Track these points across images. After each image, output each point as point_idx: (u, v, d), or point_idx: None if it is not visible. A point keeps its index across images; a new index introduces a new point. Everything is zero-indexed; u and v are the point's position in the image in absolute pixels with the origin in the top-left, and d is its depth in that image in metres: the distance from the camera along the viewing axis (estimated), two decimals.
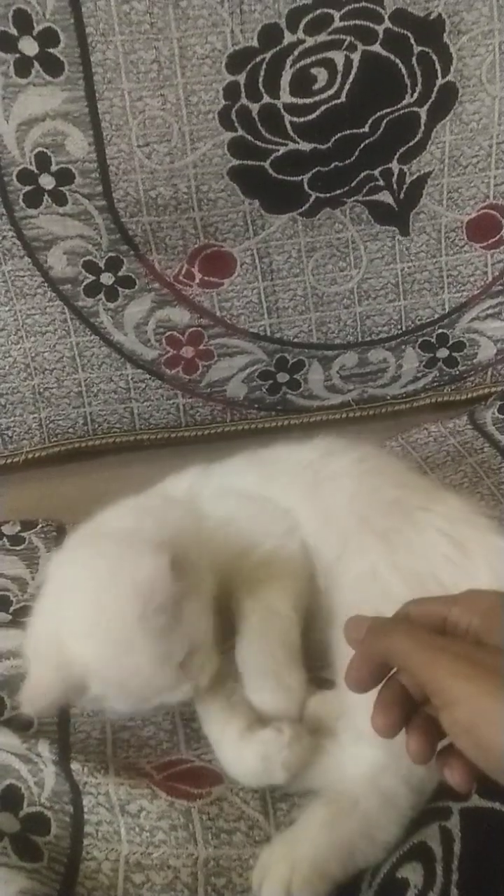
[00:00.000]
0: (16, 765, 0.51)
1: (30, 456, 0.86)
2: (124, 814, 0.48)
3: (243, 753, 0.50)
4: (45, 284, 0.78)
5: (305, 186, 0.76)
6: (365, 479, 0.60)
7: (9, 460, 0.86)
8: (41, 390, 0.83)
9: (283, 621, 0.55)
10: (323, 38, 0.69)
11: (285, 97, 0.71)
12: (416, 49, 0.71)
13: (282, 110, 0.72)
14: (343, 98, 0.72)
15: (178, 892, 0.45)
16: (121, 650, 0.49)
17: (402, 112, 0.73)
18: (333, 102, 0.72)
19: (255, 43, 0.69)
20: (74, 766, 0.51)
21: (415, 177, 0.77)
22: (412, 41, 0.70)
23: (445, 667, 0.35)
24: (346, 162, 0.75)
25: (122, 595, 0.48)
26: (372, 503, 0.58)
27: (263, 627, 0.55)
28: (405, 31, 0.70)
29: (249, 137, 0.73)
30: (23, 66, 0.68)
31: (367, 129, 0.74)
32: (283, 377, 0.86)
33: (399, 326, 0.85)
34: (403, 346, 0.86)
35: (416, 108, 0.74)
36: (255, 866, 0.45)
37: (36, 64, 0.68)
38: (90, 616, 0.49)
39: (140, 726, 0.56)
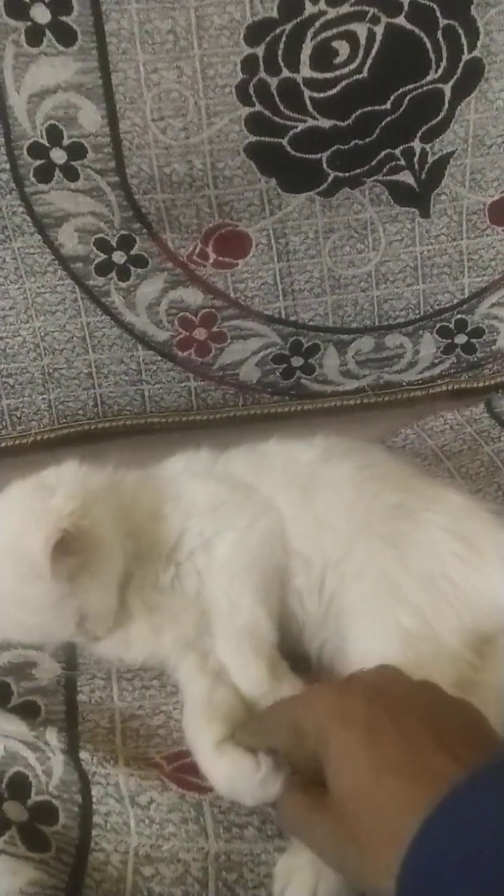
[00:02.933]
0: (23, 752, 0.50)
1: (38, 437, 0.85)
2: (134, 805, 0.48)
3: (216, 764, 0.49)
4: (56, 262, 0.76)
5: (324, 165, 0.73)
6: (365, 486, 0.59)
7: (17, 441, 0.85)
8: (50, 371, 0.82)
9: (246, 615, 0.55)
10: (345, 9, 0.67)
11: (305, 71, 0.69)
12: (442, 22, 0.68)
13: (301, 85, 0.69)
14: (365, 73, 0.69)
15: (189, 886, 0.45)
16: (13, 604, 0.55)
17: (425, 89, 0.71)
18: (355, 77, 0.69)
19: (274, 14, 0.66)
20: (83, 755, 0.50)
21: (437, 156, 0.75)
22: (438, 14, 0.68)
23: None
24: (367, 140, 0.73)
25: (10, 557, 0.54)
26: (374, 509, 0.58)
27: (229, 622, 0.55)
28: (431, 4, 0.67)
29: (267, 113, 0.70)
30: (34, 35, 0.65)
31: (388, 105, 0.71)
32: (297, 361, 0.84)
33: (417, 311, 0.83)
34: (421, 332, 0.84)
35: (440, 85, 0.71)
36: (275, 873, 0.44)
37: (48, 32, 0.65)
38: None
39: (149, 715, 0.55)
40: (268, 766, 0.47)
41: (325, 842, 0.40)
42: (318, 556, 0.57)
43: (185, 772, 0.50)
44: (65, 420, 0.85)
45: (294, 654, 0.56)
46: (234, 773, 0.48)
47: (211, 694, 0.53)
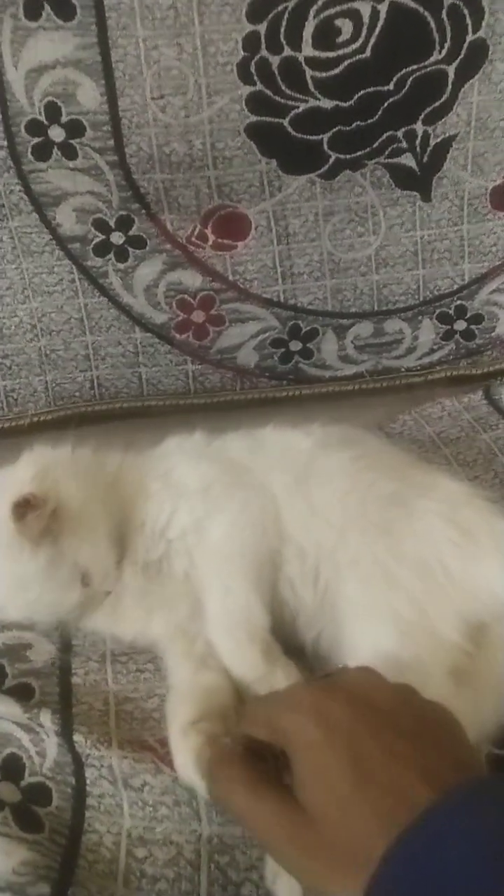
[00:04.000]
0: (17, 734, 0.50)
1: (35, 419, 0.84)
2: (127, 788, 0.48)
3: (176, 746, 0.49)
4: (53, 242, 0.75)
5: (325, 146, 0.73)
6: (361, 476, 0.59)
7: (13, 423, 0.84)
8: (47, 352, 0.81)
9: (239, 598, 0.55)
10: None
11: (307, 50, 0.68)
12: (447, 1, 0.67)
13: (303, 64, 0.68)
14: (368, 53, 0.68)
15: (181, 868, 0.45)
16: (11, 588, 0.56)
17: (428, 69, 0.70)
18: (358, 57, 0.68)
19: None
20: (77, 737, 0.50)
21: (439, 139, 0.74)
22: None
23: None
24: (369, 121, 0.72)
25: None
26: (369, 498, 0.57)
27: (221, 605, 0.55)
28: None
29: (268, 92, 0.69)
30: (33, 8, 0.64)
31: (391, 86, 0.70)
32: (295, 345, 0.84)
33: (416, 296, 0.83)
34: (420, 317, 0.84)
35: (443, 66, 0.70)
36: (267, 859, 0.44)
37: (46, 6, 0.64)
38: None
39: (143, 699, 0.55)
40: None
41: (283, 846, 0.38)
42: (313, 544, 0.57)
43: None
44: (61, 402, 0.84)
45: (287, 643, 0.55)
46: (191, 758, 0.47)
47: (192, 678, 0.53)
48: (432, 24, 0.68)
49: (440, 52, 0.69)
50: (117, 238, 0.76)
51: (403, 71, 0.70)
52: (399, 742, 0.37)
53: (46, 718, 0.51)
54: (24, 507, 0.54)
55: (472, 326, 0.85)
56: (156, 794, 0.47)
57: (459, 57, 0.70)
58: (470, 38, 0.69)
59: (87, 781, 0.48)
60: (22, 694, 0.54)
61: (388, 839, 0.33)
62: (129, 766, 0.48)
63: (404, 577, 0.53)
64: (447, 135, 0.74)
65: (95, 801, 0.47)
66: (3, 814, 0.45)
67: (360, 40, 0.68)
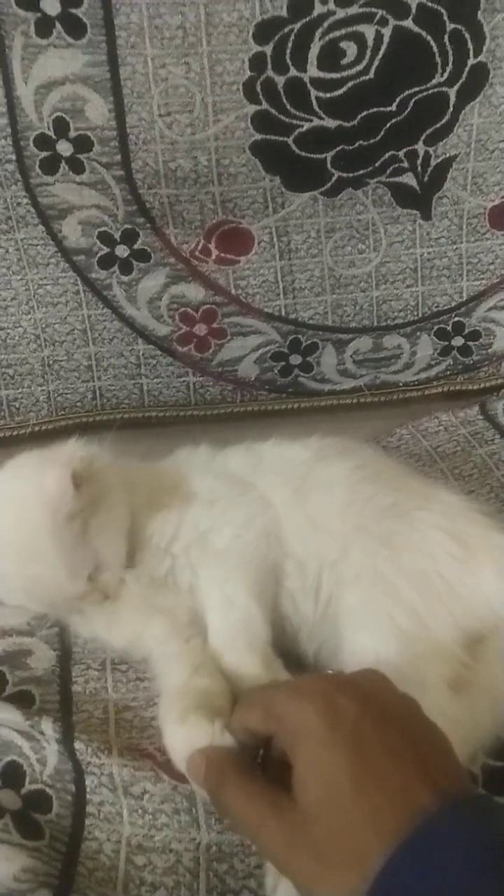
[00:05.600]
0: (18, 741, 0.50)
1: (36, 429, 0.85)
2: (127, 795, 0.48)
3: (174, 732, 0.49)
4: (59, 254, 0.76)
5: (328, 165, 0.74)
6: (359, 488, 0.59)
7: (15, 432, 0.85)
8: (50, 362, 0.82)
9: (241, 610, 0.55)
10: (354, 10, 0.67)
11: (312, 71, 0.69)
12: (449, 26, 0.69)
13: (308, 84, 0.70)
14: (371, 74, 0.70)
15: (180, 875, 0.45)
16: (25, 558, 0.54)
17: (430, 92, 0.72)
18: (361, 79, 0.70)
19: (284, 13, 0.67)
20: (78, 745, 0.50)
21: (440, 159, 0.76)
22: (445, 17, 0.68)
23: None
24: (371, 141, 0.73)
25: (26, 505, 0.54)
26: (367, 510, 0.58)
27: (223, 617, 0.56)
28: (438, 7, 0.68)
29: (274, 111, 0.71)
30: (44, 27, 0.65)
31: (394, 107, 0.72)
32: (295, 359, 0.85)
33: (415, 312, 0.84)
34: (419, 333, 0.85)
35: (445, 89, 0.72)
36: (267, 868, 0.44)
37: (58, 24, 0.65)
38: None
39: (143, 707, 0.55)
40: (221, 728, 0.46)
41: (274, 844, 0.37)
42: (313, 558, 0.57)
43: None
44: (63, 412, 0.85)
45: (289, 656, 0.56)
46: (191, 738, 0.47)
47: (187, 682, 0.53)
48: (434, 48, 0.69)
49: (442, 75, 0.71)
50: (122, 251, 0.77)
51: (406, 93, 0.71)
52: (403, 746, 0.37)
53: (47, 726, 0.51)
54: (80, 478, 0.54)
55: (470, 343, 0.86)
56: (155, 802, 0.48)
57: (461, 80, 0.71)
58: (471, 62, 0.71)
59: (88, 789, 0.48)
60: (22, 701, 0.54)
61: (387, 846, 0.33)
62: (130, 773, 0.49)
63: (404, 590, 0.54)
64: (447, 155, 0.75)
65: (95, 808, 0.48)
66: (3, 821, 0.45)
67: (364, 62, 0.69)
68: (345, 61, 0.69)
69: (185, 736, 0.48)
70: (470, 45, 0.70)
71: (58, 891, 0.43)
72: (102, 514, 0.56)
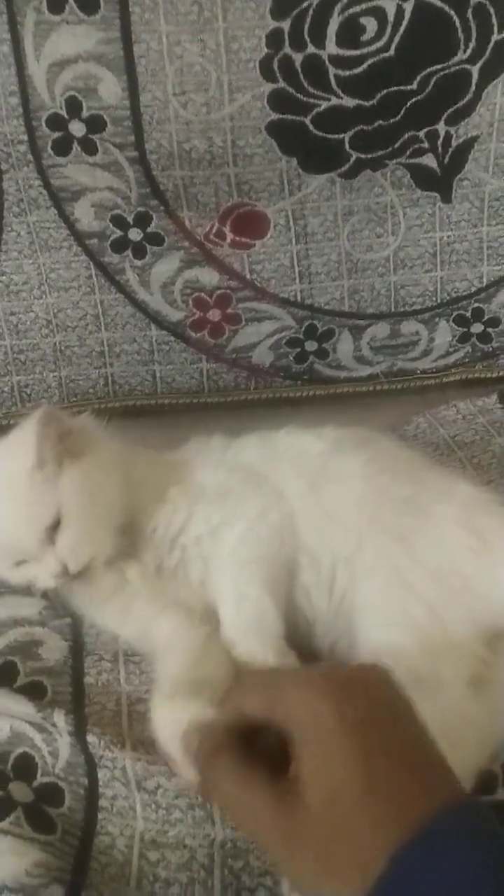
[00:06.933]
0: (30, 733, 0.50)
1: None
2: (140, 790, 0.47)
3: (158, 713, 0.49)
4: (71, 238, 0.75)
5: (346, 145, 0.72)
6: (375, 480, 0.58)
7: (26, 418, 0.84)
8: (62, 348, 0.81)
9: (254, 605, 0.54)
10: None
11: (331, 48, 0.67)
12: (473, 0, 0.67)
13: (326, 62, 0.68)
14: (392, 51, 0.68)
15: (195, 872, 0.44)
16: None
17: (452, 69, 0.69)
18: (381, 56, 0.68)
19: None
20: (91, 738, 0.50)
21: (461, 140, 0.74)
22: None
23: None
24: (391, 121, 0.71)
25: (4, 452, 0.58)
26: (383, 503, 0.57)
27: (236, 612, 0.55)
28: None
29: (291, 90, 0.69)
30: (56, 2, 0.64)
31: (414, 86, 0.70)
32: (311, 345, 0.83)
33: (434, 298, 0.82)
34: (437, 319, 0.83)
35: (467, 66, 0.70)
36: None
37: (70, 0, 0.64)
38: None
39: None
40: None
41: (274, 839, 0.36)
42: (328, 552, 0.56)
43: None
44: (75, 398, 0.84)
45: (303, 651, 0.55)
46: (179, 717, 0.46)
47: (186, 673, 0.52)
48: (458, 24, 0.67)
49: (465, 52, 0.69)
50: (135, 234, 0.75)
51: (427, 70, 0.69)
52: (407, 750, 0.36)
53: (60, 718, 0.51)
54: (51, 415, 0.56)
55: (489, 329, 0.85)
56: (169, 797, 0.47)
57: (484, 57, 0.69)
58: (496, 37, 0.69)
59: (100, 783, 0.48)
60: (34, 692, 0.53)
61: (390, 850, 0.33)
62: (143, 768, 0.48)
63: (420, 585, 0.53)
64: (469, 136, 0.73)
65: (108, 802, 0.47)
66: (15, 814, 0.45)
67: (385, 39, 0.67)
68: (364, 38, 0.67)
69: (173, 715, 0.47)
70: (494, 21, 0.68)
71: (70, 886, 0.43)
72: (80, 473, 0.56)
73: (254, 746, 0.40)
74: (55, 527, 0.55)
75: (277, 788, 0.37)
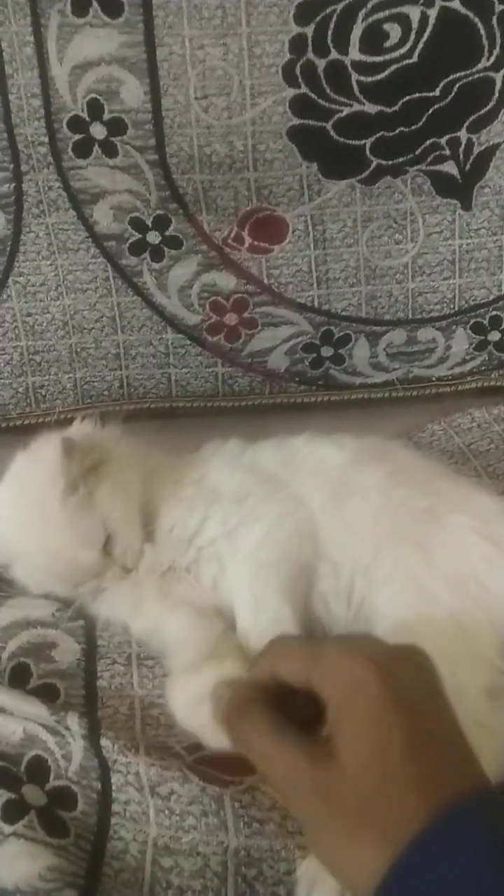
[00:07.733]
0: (42, 735, 0.50)
1: (62, 417, 0.84)
2: (154, 795, 0.47)
3: (173, 689, 0.50)
4: (90, 240, 0.75)
5: (367, 152, 0.72)
6: (394, 493, 0.58)
7: (40, 420, 0.84)
8: (78, 350, 0.81)
9: (271, 611, 0.54)
10: None
11: (354, 54, 0.67)
12: (498, 8, 0.67)
13: (349, 68, 0.68)
14: (415, 58, 0.68)
15: (208, 880, 0.44)
16: (38, 533, 0.56)
17: (476, 76, 0.69)
18: (405, 62, 0.68)
19: None
20: (104, 742, 0.49)
21: (483, 147, 0.73)
22: None
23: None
24: (413, 127, 0.71)
25: (31, 480, 0.57)
26: (402, 514, 0.57)
27: (252, 617, 0.54)
28: None
29: (313, 96, 0.69)
30: (80, 5, 0.64)
31: (437, 92, 0.69)
32: (327, 351, 0.83)
33: (452, 306, 0.82)
34: (454, 327, 0.83)
35: (491, 73, 0.69)
36: (298, 877, 0.43)
37: (94, 3, 0.64)
38: (6, 501, 0.58)
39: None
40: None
41: (304, 793, 0.36)
42: (348, 561, 0.56)
43: (206, 764, 0.49)
44: (89, 400, 0.84)
45: None
46: (201, 684, 0.46)
47: (198, 665, 0.52)
48: (482, 31, 0.67)
49: (488, 59, 0.69)
50: (153, 237, 0.75)
51: (450, 77, 0.69)
52: (449, 731, 0.37)
53: (73, 721, 0.50)
54: (71, 445, 0.56)
55: None
56: (183, 803, 0.47)
57: None
58: None
59: (114, 787, 0.47)
60: (47, 695, 0.53)
61: (427, 816, 0.33)
62: (157, 773, 0.48)
63: (439, 594, 0.53)
64: (491, 143, 0.73)
65: (121, 807, 0.47)
66: (28, 817, 0.45)
67: (408, 45, 0.67)
68: (388, 44, 0.67)
69: (194, 683, 0.48)
70: None
71: (84, 891, 0.42)
72: (108, 484, 0.57)
73: (281, 709, 0.40)
74: (108, 541, 0.56)
75: (309, 742, 0.37)
